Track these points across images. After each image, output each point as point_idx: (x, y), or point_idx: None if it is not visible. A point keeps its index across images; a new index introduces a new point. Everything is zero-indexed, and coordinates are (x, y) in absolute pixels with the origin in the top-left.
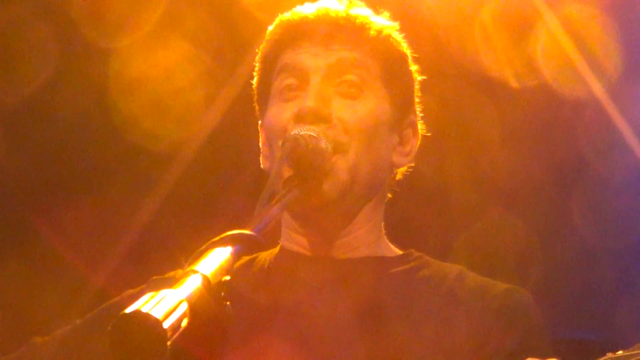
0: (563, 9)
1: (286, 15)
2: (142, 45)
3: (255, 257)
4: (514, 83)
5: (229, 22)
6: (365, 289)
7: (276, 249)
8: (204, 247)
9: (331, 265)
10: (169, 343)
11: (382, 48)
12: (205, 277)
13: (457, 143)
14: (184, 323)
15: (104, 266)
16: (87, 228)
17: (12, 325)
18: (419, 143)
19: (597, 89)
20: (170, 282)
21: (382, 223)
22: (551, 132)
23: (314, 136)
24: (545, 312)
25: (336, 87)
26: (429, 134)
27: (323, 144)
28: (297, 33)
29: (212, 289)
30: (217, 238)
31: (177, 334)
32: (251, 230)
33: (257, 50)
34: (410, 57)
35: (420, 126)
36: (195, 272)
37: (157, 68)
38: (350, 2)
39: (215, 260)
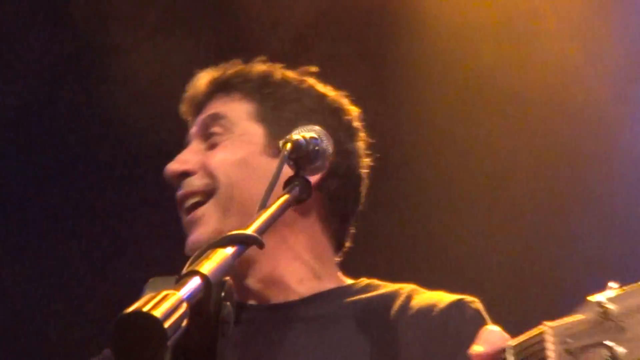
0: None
1: (183, 99)
2: (144, 45)
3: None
4: (515, 86)
5: (231, 22)
6: (294, 333)
7: None
8: (204, 247)
9: (264, 314)
10: (169, 343)
11: (253, 90)
12: (205, 278)
13: (459, 143)
14: (184, 323)
15: (106, 266)
16: (88, 229)
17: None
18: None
19: (599, 89)
20: (170, 283)
21: (328, 253)
22: (553, 133)
23: (314, 137)
24: (545, 311)
25: (205, 143)
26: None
27: (324, 144)
28: (185, 113)
29: (212, 290)
30: (217, 238)
31: (177, 334)
32: (251, 231)
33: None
34: (298, 87)
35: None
36: (195, 272)
37: (160, 68)
38: (234, 63)
39: (215, 260)
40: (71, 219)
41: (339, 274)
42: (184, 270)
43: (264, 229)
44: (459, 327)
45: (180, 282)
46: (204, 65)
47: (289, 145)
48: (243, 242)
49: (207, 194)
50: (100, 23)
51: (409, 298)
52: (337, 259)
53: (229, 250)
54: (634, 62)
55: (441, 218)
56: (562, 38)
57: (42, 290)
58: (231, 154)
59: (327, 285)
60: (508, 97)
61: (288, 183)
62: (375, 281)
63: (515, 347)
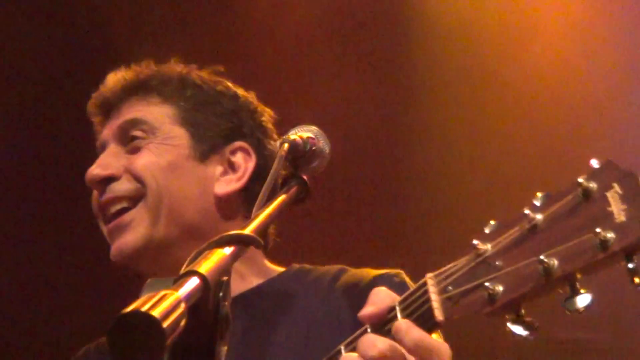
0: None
1: (93, 97)
2: (145, 46)
3: None
4: (516, 84)
5: (231, 22)
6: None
7: None
8: (202, 247)
9: None
10: (167, 343)
11: (173, 93)
12: (203, 278)
13: (460, 142)
14: (182, 323)
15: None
16: (87, 227)
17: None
18: (263, 162)
19: (599, 88)
20: (169, 283)
21: (252, 251)
22: (552, 132)
23: (311, 137)
24: (545, 311)
25: (126, 146)
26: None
27: (321, 144)
28: (96, 114)
29: (210, 289)
30: (215, 238)
31: (175, 334)
32: (249, 230)
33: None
34: (216, 88)
35: (266, 145)
36: (193, 272)
37: None
38: (147, 63)
39: (213, 260)
40: (70, 217)
41: (267, 266)
42: (182, 270)
43: (262, 229)
44: (390, 287)
45: (178, 282)
46: (204, 66)
47: (286, 145)
48: (241, 242)
49: (135, 200)
50: (101, 23)
51: (337, 277)
52: (263, 255)
53: (227, 250)
54: (634, 61)
55: (445, 211)
56: (562, 38)
57: (39, 287)
58: (158, 158)
59: (253, 282)
60: (509, 96)
61: (285, 183)
62: (305, 266)
63: (402, 302)
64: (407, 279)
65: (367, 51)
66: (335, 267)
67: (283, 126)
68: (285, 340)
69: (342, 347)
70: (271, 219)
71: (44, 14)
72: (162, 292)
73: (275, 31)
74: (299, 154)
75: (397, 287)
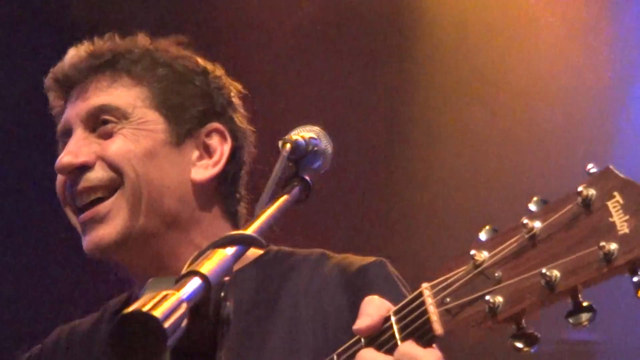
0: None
1: (52, 72)
2: None
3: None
4: (516, 83)
5: (230, 23)
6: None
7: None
8: (204, 248)
9: None
10: (168, 343)
11: (144, 73)
12: (205, 278)
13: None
14: (184, 323)
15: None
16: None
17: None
18: (239, 143)
19: (598, 87)
20: (170, 283)
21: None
22: (551, 129)
23: (314, 137)
24: (545, 312)
25: (95, 131)
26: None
27: (323, 145)
28: (55, 89)
29: (212, 290)
30: (217, 239)
31: (176, 334)
32: (251, 231)
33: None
34: (188, 66)
35: (239, 126)
36: (195, 272)
37: None
38: (111, 37)
39: (214, 260)
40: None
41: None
42: (184, 270)
43: (264, 229)
44: (366, 285)
45: (180, 282)
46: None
47: (288, 146)
48: (243, 242)
49: (110, 189)
50: (96, 21)
51: (319, 263)
52: None
53: (229, 251)
54: (633, 61)
55: (442, 209)
56: (561, 37)
57: (35, 284)
58: (134, 144)
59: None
60: (509, 95)
61: (287, 183)
62: (284, 248)
63: (397, 312)
64: (391, 268)
65: (367, 51)
66: (315, 252)
67: (283, 126)
68: (267, 332)
69: (335, 357)
70: (273, 219)
71: (42, 11)
72: (164, 292)
73: (275, 31)
74: (301, 155)
75: (387, 281)
